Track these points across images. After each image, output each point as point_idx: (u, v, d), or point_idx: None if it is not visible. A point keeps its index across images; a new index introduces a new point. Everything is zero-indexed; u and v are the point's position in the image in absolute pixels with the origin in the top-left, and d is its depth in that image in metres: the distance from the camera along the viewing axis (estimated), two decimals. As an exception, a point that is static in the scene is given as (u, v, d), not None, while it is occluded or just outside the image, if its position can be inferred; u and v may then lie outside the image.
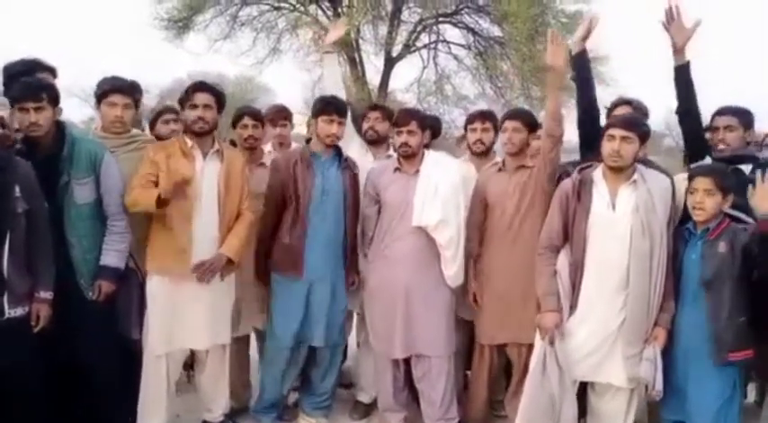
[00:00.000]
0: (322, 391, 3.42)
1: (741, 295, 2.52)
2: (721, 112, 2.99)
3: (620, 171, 2.64)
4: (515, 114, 3.24)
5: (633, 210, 2.58)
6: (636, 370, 2.59)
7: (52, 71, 3.08)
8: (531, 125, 3.20)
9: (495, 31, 15.19)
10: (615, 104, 3.23)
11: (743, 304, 2.52)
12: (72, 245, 2.73)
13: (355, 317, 3.76)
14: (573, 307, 2.69)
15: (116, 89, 2.98)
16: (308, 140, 3.33)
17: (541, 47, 13.94)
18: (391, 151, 3.53)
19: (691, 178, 2.62)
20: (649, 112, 3.24)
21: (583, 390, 2.85)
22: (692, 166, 2.85)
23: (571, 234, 2.70)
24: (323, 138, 3.20)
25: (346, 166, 3.27)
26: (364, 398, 3.65)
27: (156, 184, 2.84)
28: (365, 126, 3.67)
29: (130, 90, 3.07)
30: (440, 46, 16.11)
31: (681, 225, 2.73)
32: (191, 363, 3.33)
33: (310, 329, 3.21)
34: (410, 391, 3.35)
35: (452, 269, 3.08)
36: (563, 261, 2.73)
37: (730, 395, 2.56)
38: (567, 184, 2.77)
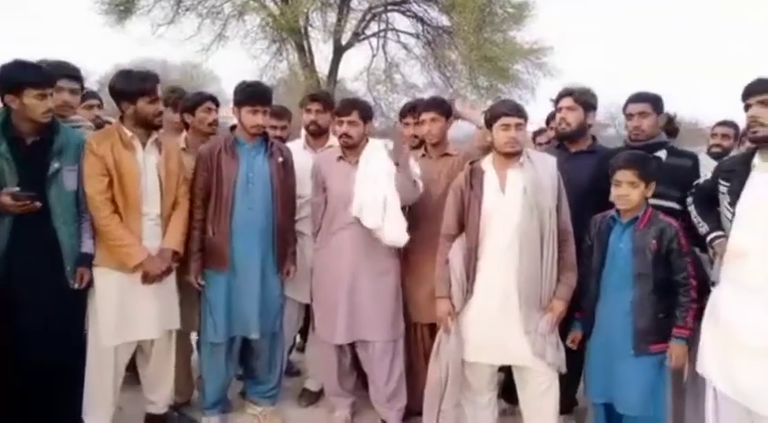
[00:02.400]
0: (268, 381, 3.41)
1: (663, 291, 2.59)
2: (634, 99, 3.10)
3: (513, 156, 2.71)
4: (430, 105, 3.26)
5: (522, 191, 2.65)
6: (537, 348, 2.64)
7: None
8: (448, 113, 3.25)
9: (444, 21, 15.34)
10: (560, 96, 3.31)
11: (664, 300, 2.59)
12: (62, 234, 2.73)
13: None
14: (469, 291, 2.74)
15: (64, 74, 2.96)
16: (233, 127, 3.24)
17: (488, 36, 14.20)
18: (331, 141, 3.51)
19: (613, 171, 2.67)
20: (596, 96, 3.30)
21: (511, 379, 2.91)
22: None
23: (466, 222, 2.76)
24: (248, 128, 3.14)
25: (272, 152, 3.21)
26: (312, 385, 3.67)
27: (111, 183, 2.82)
28: (307, 119, 3.60)
29: (78, 76, 3.09)
30: (389, 34, 16.19)
31: (599, 210, 2.81)
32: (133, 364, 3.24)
33: (245, 322, 3.17)
34: (359, 376, 3.39)
35: (387, 238, 2.99)
36: (455, 249, 2.79)
37: (656, 379, 2.62)
38: (460, 177, 2.85)
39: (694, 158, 3.05)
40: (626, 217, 2.67)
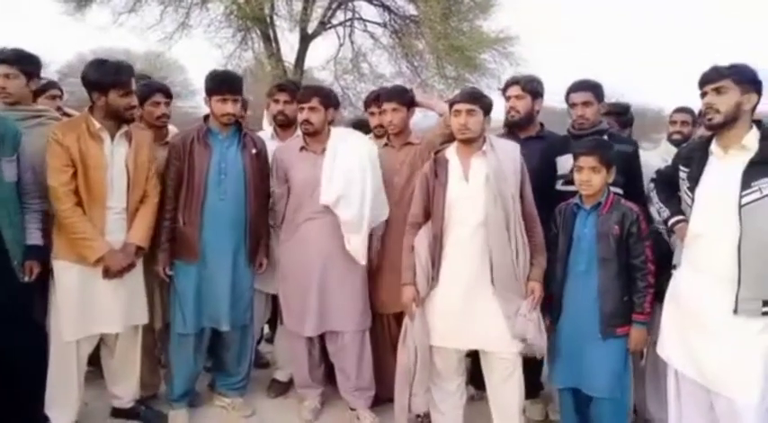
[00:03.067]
0: (237, 373, 3.39)
1: (627, 275, 2.64)
2: (576, 88, 3.15)
3: (470, 143, 2.73)
4: (391, 96, 3.28)
5: (485, 178, 2.68)
6: (517, 329, 2.66)
7: None
8: (409, 102, 3.27)
9: (411, 10, 15.26)
10: (507, 85, 3.36)
11: (629, 284, 2.64)
12: (4, 226, 2.64)
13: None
14: (434, 279, 2.76)
15: None
16: (207, 117, 3.20)
17: (455, 25, 14.20)
18: (299, 132, 3.48)
19: (575, 157, 2.72)
20: (542, 83, 3.35)
21: (478, 364, 2.96)
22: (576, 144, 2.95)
23: (431, 210, 2.79)
24: (218, 117, 3.10)
25: (246, 143, 3.18)
26: (281, 376, 3.66)
27: (75, 174, 2.75)
28: (274, 109, 3.57)
29: (15, 59, 2.94)
30: (356, 23, 16.03)
31: (549, 193, 2.90)
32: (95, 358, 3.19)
33: (215, 313, 3.15)
34: (327, 367, 3.39)
35: (352, 244, 3.05)
36: (421, 237, 2.81)
37: (623, 363, 2.68)
38: (426, 166, 2.87)
39: (635, 145, 3.17)
40: (589, 203, 2.71)
